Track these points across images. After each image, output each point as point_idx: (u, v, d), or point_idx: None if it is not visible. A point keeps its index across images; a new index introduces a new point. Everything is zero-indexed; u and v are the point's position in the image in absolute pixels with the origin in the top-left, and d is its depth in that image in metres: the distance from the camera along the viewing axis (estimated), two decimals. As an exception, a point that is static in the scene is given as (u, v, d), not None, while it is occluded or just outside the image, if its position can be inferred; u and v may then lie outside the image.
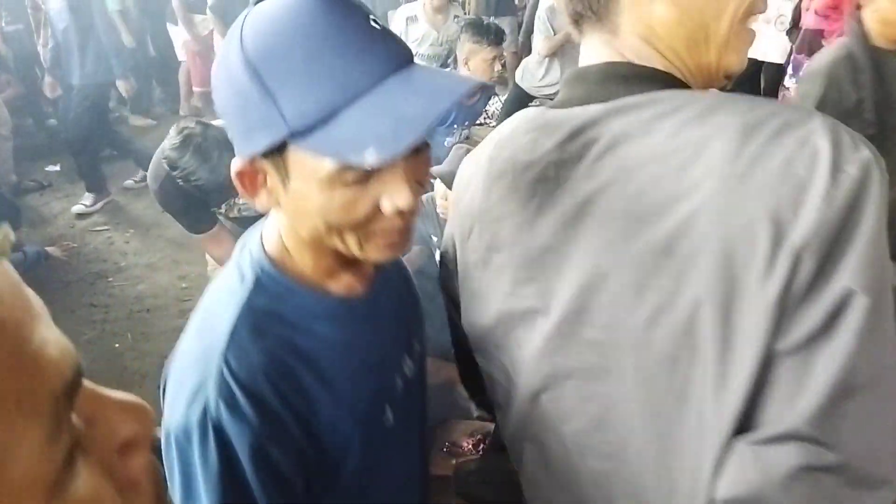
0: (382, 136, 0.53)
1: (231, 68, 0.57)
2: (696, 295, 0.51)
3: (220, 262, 2.30)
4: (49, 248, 3.53)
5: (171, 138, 1.88)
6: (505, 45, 3.05)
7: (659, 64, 0.62)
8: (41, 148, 5.01)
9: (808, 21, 3.79)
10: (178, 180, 1.87)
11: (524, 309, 0.66)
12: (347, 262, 0.68)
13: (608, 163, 0.58)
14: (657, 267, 0.53)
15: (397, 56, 0.58)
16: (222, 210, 2.05)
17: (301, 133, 0.55)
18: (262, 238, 0.69)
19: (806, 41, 3.81)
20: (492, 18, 4.68)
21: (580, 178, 0.60)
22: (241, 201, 2.06)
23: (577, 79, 0.67)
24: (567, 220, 0.61)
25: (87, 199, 4.20)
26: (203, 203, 2.02)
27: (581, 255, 0.60)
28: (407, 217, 0.62)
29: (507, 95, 4.36)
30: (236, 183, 0.62)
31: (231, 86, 0.58)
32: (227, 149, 1.83)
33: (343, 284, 0.70)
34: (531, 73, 4.19)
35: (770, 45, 4.16)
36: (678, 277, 0.52)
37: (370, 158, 0.52)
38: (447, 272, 0.80)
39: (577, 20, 0.67)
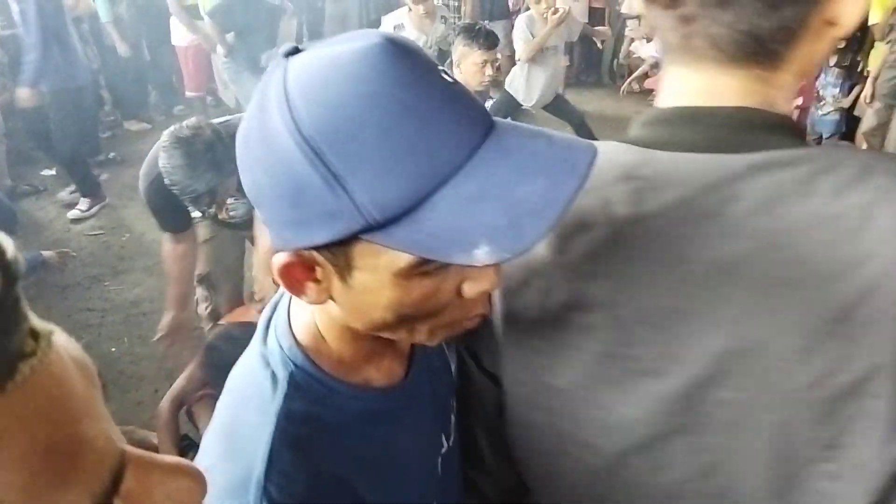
0: (496, 228, 0.43)
1: (278, 146, 0.45)
2: (873, 359, 0.51)
3: (167, 260, 2.28)
4: (45, 253, 3.53)
5: (179, 128, 1.87)
6: (499, 48, 3.07)
7: (788, 103, 0.60)
8: (36, 152, 5.01)
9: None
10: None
11: (628, 370, 0.60)
12: (389, 344, 0.60)
13: (759, 224, 0.54)
14: (827, 333, 0.52)
15: (481, 118, 0.48)
16: (212, 211, 2.06)
17: (381, 225, 0.44)
18: (290, 322, 0.59)
19: None
20: (487, 22, 4.73)
21: (718, 238, 0.55)
22: (230, 202, 2.07)
23: (688, 119, 0.59)
24: (700, 282, 0.56)
25: (83, 203, 4.21)
26: (186, 207, 2.04)
27: (721, 319, 0.56)
28: (489, 298, 0.53)
29: (496, 98, 4.40)
30: (279, 278, 0.51)
31: (277, 168, 0.46)
32: (217, 163, 1.82)
33: (384, 370, 0.62)
34: (517, 80, 4.30)
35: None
36: (852, 342, 0.52)
37: (484, 257, 0.42)
38: None
39: (724, 49, 0.56)
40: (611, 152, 0.60)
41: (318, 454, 0.54)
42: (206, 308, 2.40)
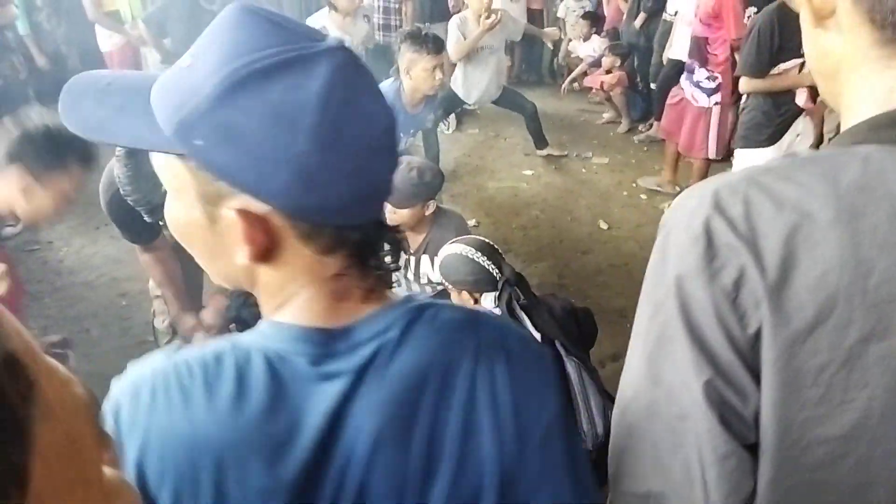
0: None
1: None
2: None
3: (153, 274, 2.23)
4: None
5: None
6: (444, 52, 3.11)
7: None
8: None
9: (696, 29, 4.00)
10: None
11: None
12: None
13: None
14: None
15: None
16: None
17: None
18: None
19: (694, 47, 4.03)
20: (427, 25, 4.76)
21: None
22: None
23: None
24: None
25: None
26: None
27: None
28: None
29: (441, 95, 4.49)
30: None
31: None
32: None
33: None
34: (458, 80, 4.47)
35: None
36: None
37: None
38: (725, 405, 0.61)
39: None
40: (883, 155, 0.57)
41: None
42: (164, 321, 2.34)
